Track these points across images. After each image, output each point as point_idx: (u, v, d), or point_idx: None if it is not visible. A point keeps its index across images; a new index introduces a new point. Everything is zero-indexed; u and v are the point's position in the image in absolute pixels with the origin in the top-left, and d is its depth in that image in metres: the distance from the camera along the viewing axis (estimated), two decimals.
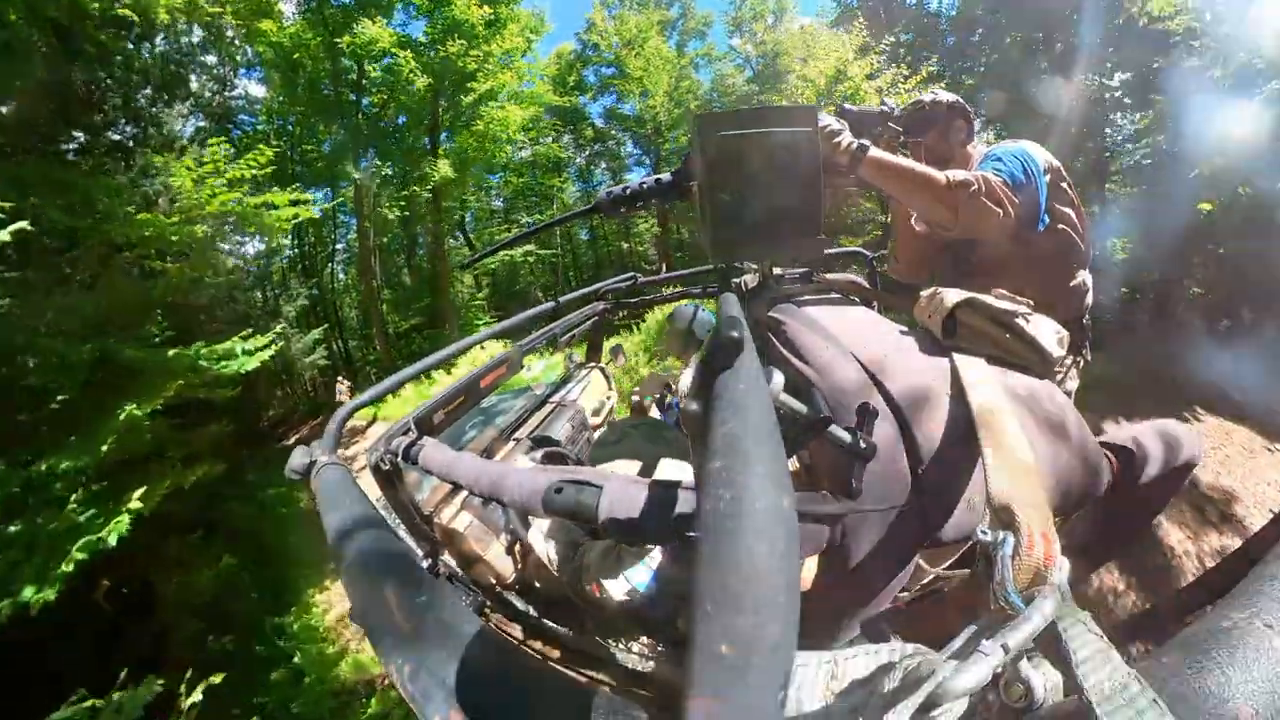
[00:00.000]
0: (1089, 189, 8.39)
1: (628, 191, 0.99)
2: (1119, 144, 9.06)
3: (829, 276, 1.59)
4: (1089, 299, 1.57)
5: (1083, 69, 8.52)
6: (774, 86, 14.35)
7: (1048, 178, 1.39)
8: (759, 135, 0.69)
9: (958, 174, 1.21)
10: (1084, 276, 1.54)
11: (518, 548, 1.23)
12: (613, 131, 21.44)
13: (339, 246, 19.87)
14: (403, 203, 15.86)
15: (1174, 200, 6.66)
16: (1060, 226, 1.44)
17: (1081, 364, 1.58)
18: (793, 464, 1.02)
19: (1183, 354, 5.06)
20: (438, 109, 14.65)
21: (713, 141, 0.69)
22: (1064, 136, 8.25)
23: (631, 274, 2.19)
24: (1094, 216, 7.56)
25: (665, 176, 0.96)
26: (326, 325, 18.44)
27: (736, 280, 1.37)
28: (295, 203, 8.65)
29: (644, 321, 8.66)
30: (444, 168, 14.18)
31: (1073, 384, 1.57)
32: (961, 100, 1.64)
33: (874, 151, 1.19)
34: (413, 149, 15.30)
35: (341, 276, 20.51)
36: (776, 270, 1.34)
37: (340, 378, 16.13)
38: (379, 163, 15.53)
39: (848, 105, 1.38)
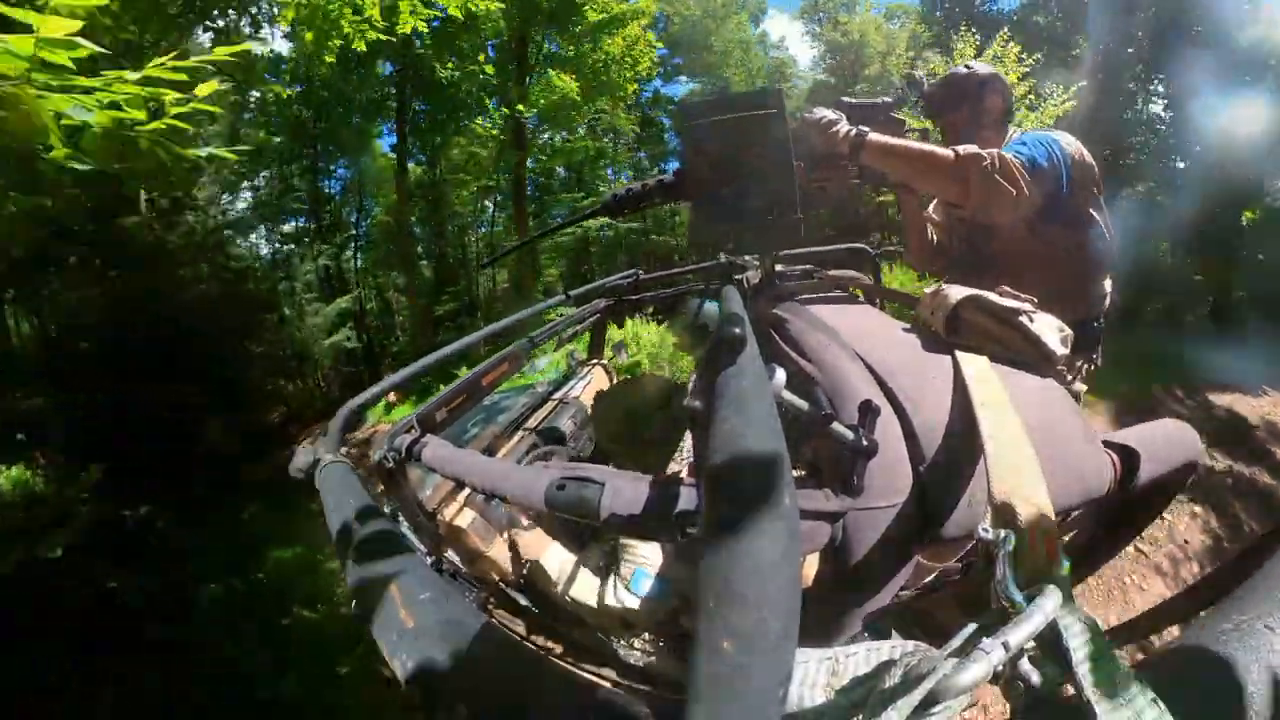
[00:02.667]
0: (1154, 196, 8.36)
1: (630, 193, 1.00)
2: (1170, 158, 8.87)
3: (831, 273, 1.58)
4: (1107, 303, 1.52)
5: (1139, 80, 8.51)
6: (858, 77, 13.60)
7: (1076, 172, 1.33)
8: (730, 120, 0.70)
9: (969, 148, 1.17)
10: (1105, 281, 1.49)
11: (519, 545, 1.23)
12: (657, 118, 19.93)
13: (360, 230, 17.58)
14: (491, 133, 13.40)
15: (1219, 210, 6.98)
16: (1083, 224, 1.38)
17: (1092, 368, 1.54)
18: (795, 460, 1.02)
19: (1240, 345, 6.01)
20: (528, 35, 12.27)
21: (689, 129, 0.70)
22: (1119, 146, 8.27)
23: (634, 270, 2.19)
24: (1152, 225, 7.70)
25: (667, 176, 0.97)
26: (358, 292, 15.65)
27: (739, 277, 1.37)
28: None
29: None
30: (568, 81, 11.64)
31: (1081, 386, 1.54)
32: (1001, 76, 1.53)
33: (874, 136, 1.17)
34: (496, 82, 12.61)
35: (357, 265, 18.14)
36: (779, 267, 1.34)
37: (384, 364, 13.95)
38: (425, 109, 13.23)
39: (844, 97, 1.36)
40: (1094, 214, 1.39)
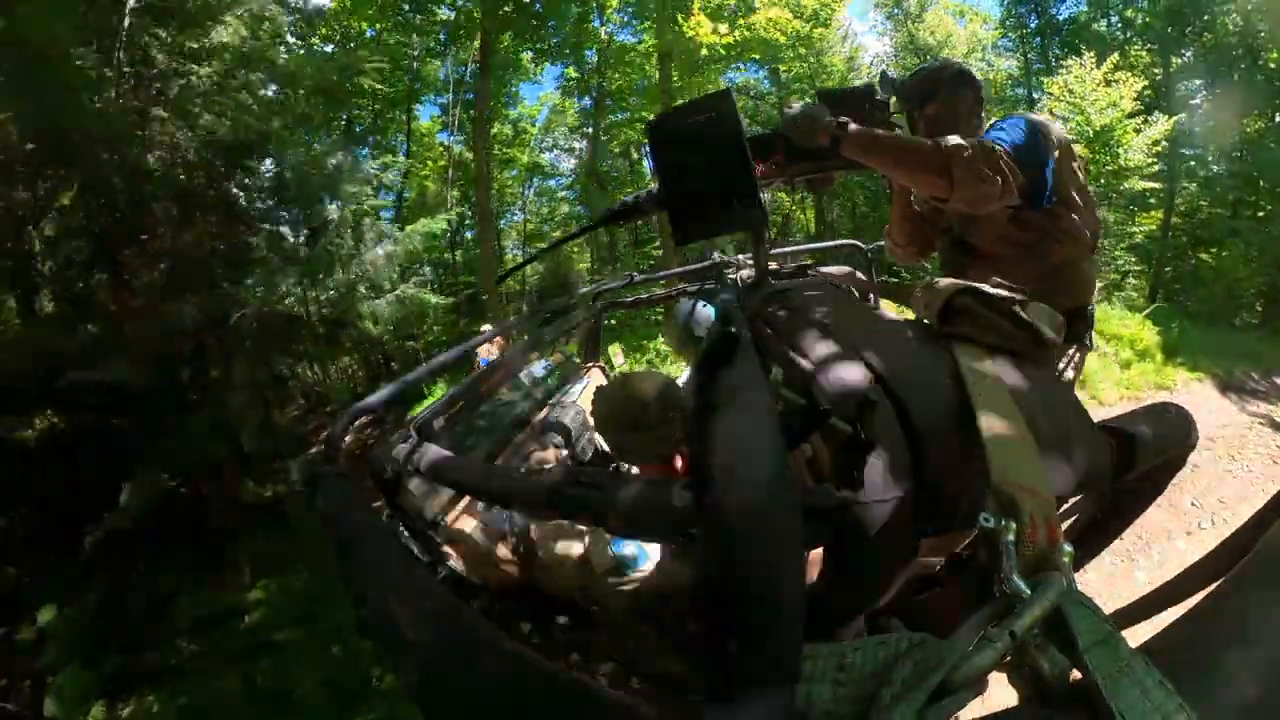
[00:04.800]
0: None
1: (625, 205, 1.04)
2: None
3: (825, 269, 1.59)
4: (1094, 287, 1.52)
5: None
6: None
7: (1056, 152, 1.32)
8: (690, 125, 0.75)
9: (951, 139, 1.17)
10: (1089, 265, 1.49)
11: (522, 550, 1.23)
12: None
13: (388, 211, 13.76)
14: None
15: None
16: (1066, 208, 1.38)
17: (1084, 355, 1.55)
18: (793, 457, 1.02)
19: None
20: None
21: (656, 143, 0.75)
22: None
23: (628, 273, 2.21)
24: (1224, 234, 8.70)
25: (654, 188, 0.99)
26: (458, 207, 12.38)
27: (732, 276, 1.37)
28: None
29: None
30: (785, 18, 9.25)
31: (1077, 373, 1.54)
32: (970, 70, 1.57)
33: (854, 128, 1.16)
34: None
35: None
36: (772, 265, 1.34)
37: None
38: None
39: (825, 87, 1.37)
40: (1075, 195, 1.39)
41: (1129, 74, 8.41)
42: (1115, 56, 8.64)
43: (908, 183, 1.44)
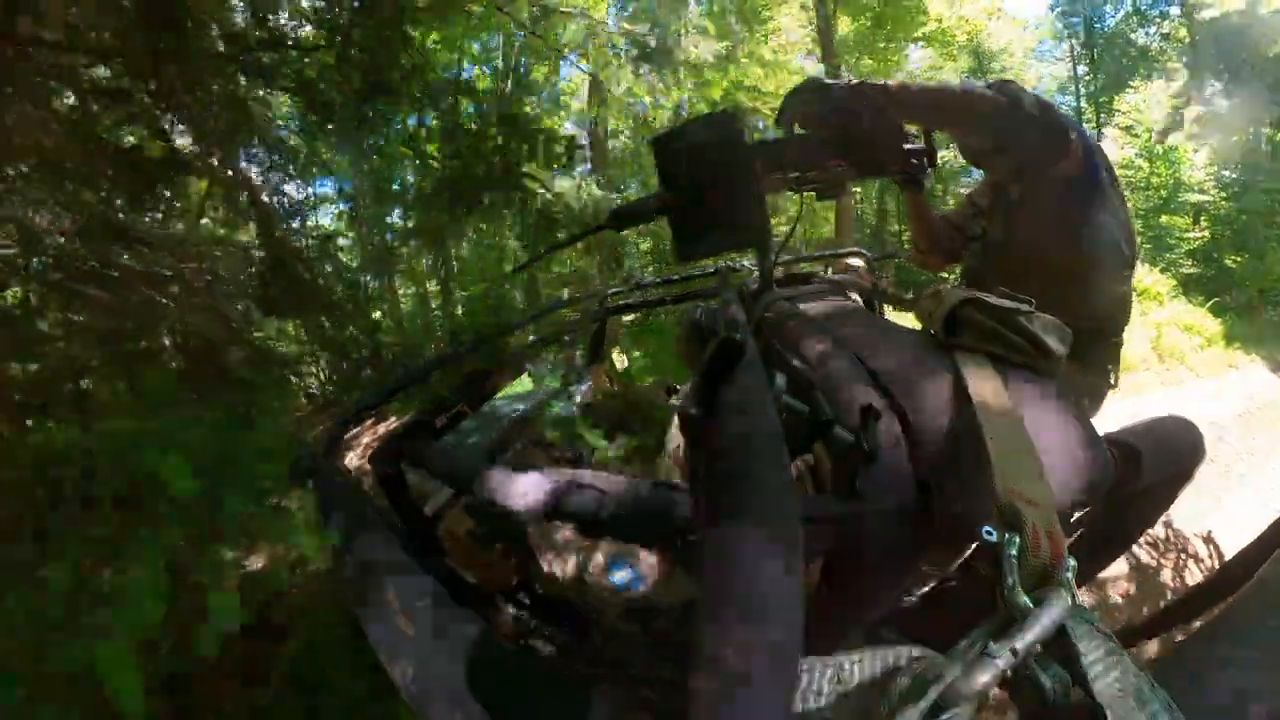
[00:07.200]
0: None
1: (631, 208, 1.03)
2: None
3: (831, 277, 1.59)
4: (1127, 314, 1.44)
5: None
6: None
7: (1092, 143, 1.28)
8: (694, 143, 0.77)
9: (1007, 88, 1.14)
10: (1122, 289, 1.41)
11: (520, 550, 1.23)
12: None
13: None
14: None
15: None
16: (1099, 205, 1.31)
17: (1106, 388, 1.44)
18: (796, 466, 1.02)
19: None
20: None
21: (663, 156, 0.76)
22: None
23: (632, 277, 2.21)
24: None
25: (663, 192, 0.99)
26: None
27: (738, 283, 1.37)
28: None
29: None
30: None
31: (1097, 407, 1.45)
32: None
33: (890, 82, 1.11)
34: None
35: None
36: (777, 272, 1.34)
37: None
38: None
39: (845, 72, 1.35)
40: (1111, 192, 1.32)
41: (1192, 102, 9.68)
42: (1180, 83, 9.89)
43: (967, 129, 1.34)
